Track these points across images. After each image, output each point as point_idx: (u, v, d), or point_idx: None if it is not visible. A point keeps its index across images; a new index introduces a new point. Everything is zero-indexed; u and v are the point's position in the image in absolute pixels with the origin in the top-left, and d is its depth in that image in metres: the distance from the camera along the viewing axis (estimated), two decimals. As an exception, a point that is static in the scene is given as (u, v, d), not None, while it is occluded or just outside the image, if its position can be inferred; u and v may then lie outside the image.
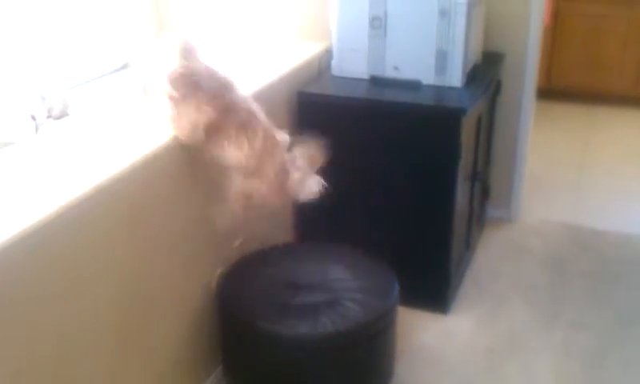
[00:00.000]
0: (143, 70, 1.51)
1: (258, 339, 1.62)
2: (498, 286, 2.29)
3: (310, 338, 1.58)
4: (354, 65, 2.13)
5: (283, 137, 1.59)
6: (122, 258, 1.38)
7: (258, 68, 2.05)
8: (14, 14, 1.68)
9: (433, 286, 2.10)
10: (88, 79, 1.90)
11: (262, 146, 1.48)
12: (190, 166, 1.58)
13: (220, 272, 1.76)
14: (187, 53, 1.45)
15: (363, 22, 2.07)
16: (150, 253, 1.48)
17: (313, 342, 1.59)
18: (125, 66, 2.05)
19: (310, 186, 1.59)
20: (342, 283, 1.73)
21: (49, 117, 1.57)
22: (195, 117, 1.42)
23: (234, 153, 1.47)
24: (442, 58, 2.04)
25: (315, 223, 2.15)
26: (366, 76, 2.13)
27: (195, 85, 1.42)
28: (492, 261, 2.44)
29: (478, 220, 2.48)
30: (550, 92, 3.80)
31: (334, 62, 2.16)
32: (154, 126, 1.49)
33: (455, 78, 2.06)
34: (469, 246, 2.37)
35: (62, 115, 1.60)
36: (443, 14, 1.99)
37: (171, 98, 1.41)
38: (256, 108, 1.54)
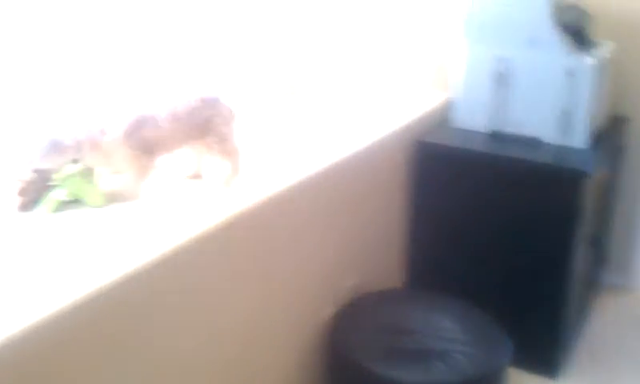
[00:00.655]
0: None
1: (365, 381, 1.63)
2: (611, 357, 2.17)
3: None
4: (474, 117, 2.15)
5: None
6: (240, 291, 1.43)
7: (379, 115, 2.12)
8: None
9: (543, 348, 2.02)
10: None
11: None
12: (311, 202, 1.64)
13: (331, 312, 1.79)
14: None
15: (487, 76, 2.09)
16: (267, 288, 1.53)
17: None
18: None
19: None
20: (452, 334, 1.72)
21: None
22: None
23: None
24: (565, 118, 2.02)
25: (426, 270, 2.18)
26: (485, 129, 2.14)
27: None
28: (607, 329, 2.33)
29: (593, 285, 2.39)
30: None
31: (454, 114, 2.18)
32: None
33: (578, 138, 2.02)
34: (583, 310, 2.28)
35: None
36: (570, 74, 1.98)
37: None
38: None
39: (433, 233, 2.17)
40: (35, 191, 1.33)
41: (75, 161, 1.38)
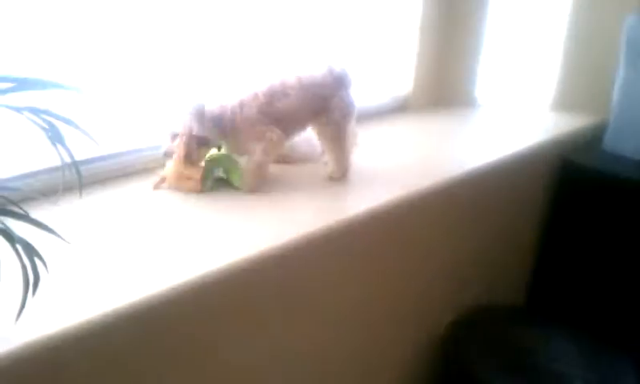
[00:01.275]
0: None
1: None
2: None
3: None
4: (628, 143, 2.05)
5: None
6: (359, 294, 1.44)
7: (527, 129, 2.09)
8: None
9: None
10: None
11: None
12: (443, 209, 1.63)
13: (450, 322, 1.81)
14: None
15: (646, 102, 2.00)
16: (387, 292, 1.54)
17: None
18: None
19: None
20: (572, 360, 1.68)
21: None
22: None
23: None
24: None
25: (549, 293, 2.13)
26: (638, 156, 2.05)
27: None
28: None
29: None
30: None
31: (607, 137, 2.10)
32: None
33: None
34: None
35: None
36: None
37: None
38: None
39: (564, 256, 2.12)
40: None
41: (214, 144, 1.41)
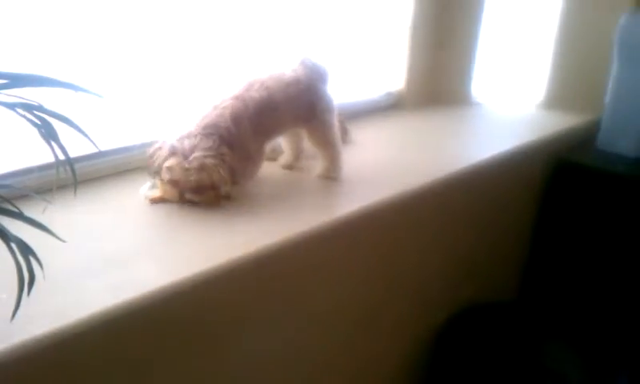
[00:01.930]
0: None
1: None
2: None
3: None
4: (622, 142, 2.05)
5: None
6: (350, 293, 1.44)
7: (520, 129, 2.09)
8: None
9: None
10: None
11: None
12: (438, 207, 1.64)
13: (444, 320, 1.81)
14: None
15: (640, 101, 2.01)
16: (383, 287, 1.54)
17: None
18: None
19: None
20: (565, 358, 1.69)
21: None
22: None
23: None
24: None
25: (545, 283, 2.14)
26: (632, 155, 2.05)
27: None
28: None
29: None
30: None
31: (601, 135, 2.11)
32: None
33: None
34: None
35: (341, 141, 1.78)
36: None
37: None
38: None
39: (557, 253, 2.13)
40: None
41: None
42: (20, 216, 0.70)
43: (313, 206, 1.35)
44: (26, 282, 0.67)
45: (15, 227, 0.70)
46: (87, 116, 0.89)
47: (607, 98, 2.08)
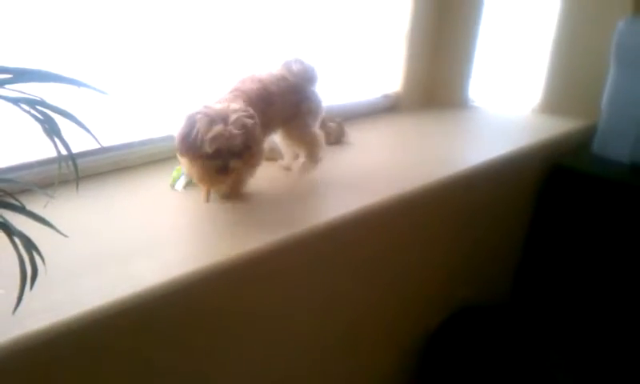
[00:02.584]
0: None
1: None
2: None
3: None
4: (617, 147, 2.07)
5: None
6: (349, 289, 1.44)
7: (516, 133, 2.10)
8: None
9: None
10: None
11: None
12: (433, 209, 1.64)
13: (438, 322, 1.82)
14: None
15: (637, 107, 2.01)
16: (377, 289, 1.54)
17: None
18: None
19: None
20: (554, 360, 1.71)
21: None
22: None
23: None
24: None
25: (538, 287, 2.15)
26: (627, 160, 2.06)
27: None
28: None
29: None
30: None
31: (596, 141, 2.12)
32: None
33: None
34: None
35: (338, 142, 1.79)
36: None
37: None
38: None
39: (551, 257, 2.14)
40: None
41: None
42: (23, 210, 0.70)
43: (308, 208, 1.36)
44: (28, 276, 0.68)
45: (17, 221, 0.70)
46: (89, 112, 0.89)
47: (603, 104, 2.09)
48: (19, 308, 0.69)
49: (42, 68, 0.74)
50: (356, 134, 1.84)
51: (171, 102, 1.50)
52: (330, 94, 1.94)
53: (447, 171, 1.64)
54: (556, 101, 2.35)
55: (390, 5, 2.10)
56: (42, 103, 0.75)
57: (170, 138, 1.28)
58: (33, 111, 0.74)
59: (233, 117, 1.20)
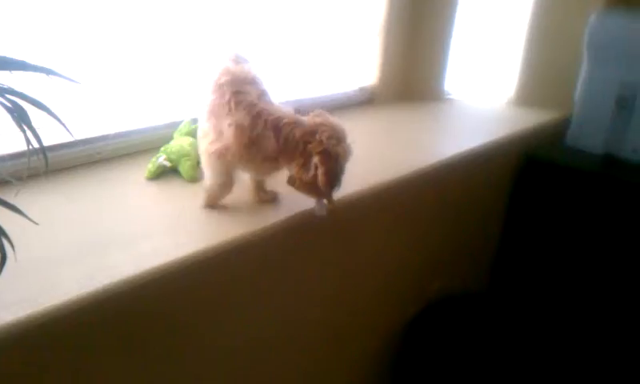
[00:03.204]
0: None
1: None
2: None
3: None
4: (590, 139, 2.10)
5: None
6: (324, 282, 1.45)
7: (492, 125, 2.12)
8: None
9: (629, 376, 1.99)
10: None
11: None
12: (409, 201, 1.65)
13: (414, 313, 1.82)
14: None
15: (609, 100, 2.04)
16: (351, 280, 1.55)
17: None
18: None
19: None
20: (528, 346, 1.73)
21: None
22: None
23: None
24: (685, 148, 1.96)
25: (513, 277, 2.17)
26: (600, 151, 2.09)
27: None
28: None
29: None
30: None
31: (570, 132, 2.15)
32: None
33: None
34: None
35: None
36: (700, 105, 1.91)
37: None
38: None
39: (526, 245, 2.16)
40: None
41: None
42: (-8, 198, 0.70)
43: (283, 200, 1.35)
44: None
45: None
46: (64, 105, 0.89)
47: (576, 96, 2.12)
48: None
49: (6, 55, 0.73)
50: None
51: (147, 93, 1.50)
52: (306, 87, 1.95)
53: (423, 163, 1.65)
54: (530, 93, 2.38)
55: (366, -2, 2.11)
56: (11, 91, 0.74)
57: (146, 130, 1.29)
58: (2, 99, 0.73)
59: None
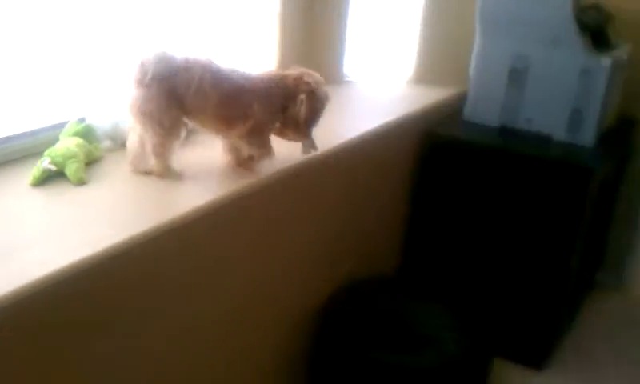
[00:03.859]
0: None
1: (356, 364, 1.66)
2: (598, 351, 2.23)
3: (408, 371, 1.61)
4: (486, 112, 2.16)
5: None
6: (233, 272, 1.43)
7: (391, 104, 2.13)
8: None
9: (533, 340, 2.08)
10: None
11: None
12: (312, 185, 1.65)
13: (326, 296, 1.81)
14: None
15: (502, 72, 2.10)
16: (261, 269, 1.53)
17: (411, 375, 1.62)
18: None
19: None
20: (442, 322, 1.76)
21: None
22: None
23: None
24: (576, 116, 2.03)
25: (421, 258, 2.21)
26: (496, 124, 2.15)
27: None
28: (596, 325, 2.38)
29: (587, 282, 2.43)
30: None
31: (466, 107, 2.19)
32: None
33: (588, 137, 2.04)
34: (574, 306, 2.32)
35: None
36: (585, 73, 1.98)
37: None
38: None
39: (433, 223, 2.21)
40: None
41: None
42: None
43: (186, 192, 1.33)
44: None
45: None
46: None
47: (471, 71, 2.17)
48: None
49: None
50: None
51: (31, 98, 1.41)
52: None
53: (326, 146, 1.63)
54: (428, 71, 2.41)
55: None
56: None
57: (28, 133, 1.22)
58: None
59: None
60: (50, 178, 1.30)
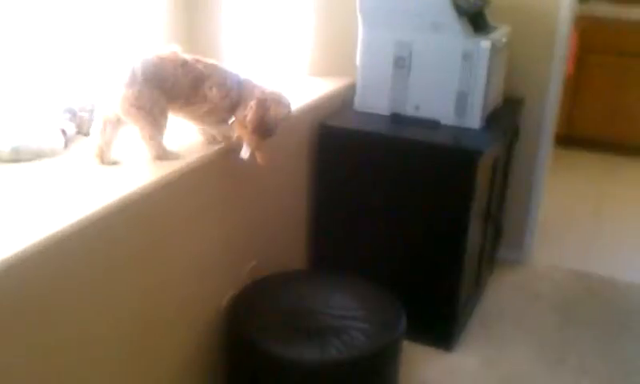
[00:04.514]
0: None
1: (263, 362, 1.65)
2: (504, 327, 2.30)
3: (314, 364, 1.61)
4: (375, 101, 2.19)
5: None
6: (135, 274, 1.41)
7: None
8: (43, 26, 1.78)
9: (439, 322, 2.13)
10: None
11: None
12: (208, 183, 1.63)
13: (231, 295, 1.80)
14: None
15: (387, 61, 2.14)
16: (162, 271, 1.51)
17: (317, 368, 1.61)
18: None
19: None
20: (349, 312, 1.76)
21: (78, 132, 1.66)
22: None
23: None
24: (462, 100, 2.10)
25: (328, 251, 2.22)
26: (387, 112, 2.18)
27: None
28: (500, 302, 2.46)
29: (488, 260, 2.51)
30: (570, 140, 3.85)
31: (356, 98, 2.22)
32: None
33: (474, 119, 2.11)
34: (478, 285, 2.39)
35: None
36: (466, 57, 2.05)
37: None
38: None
39: (335, 214, 2.22)
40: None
41: None
42: None
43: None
44: None
45: None
46: None
47: (357, 61, 2.19)
48: None
49: None
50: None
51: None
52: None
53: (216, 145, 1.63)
54: (322, 63, 2.43)
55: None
56: None
57: None
58: None
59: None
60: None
